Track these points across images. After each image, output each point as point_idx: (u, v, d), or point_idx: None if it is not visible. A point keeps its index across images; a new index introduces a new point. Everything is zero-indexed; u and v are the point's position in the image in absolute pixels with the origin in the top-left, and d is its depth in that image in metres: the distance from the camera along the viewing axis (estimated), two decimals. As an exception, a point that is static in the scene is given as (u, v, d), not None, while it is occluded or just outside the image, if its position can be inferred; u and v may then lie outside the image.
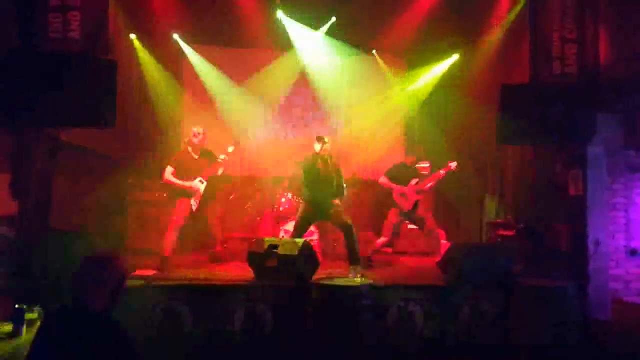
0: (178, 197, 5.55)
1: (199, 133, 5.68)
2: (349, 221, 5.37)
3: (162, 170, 5.63)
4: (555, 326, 4.38)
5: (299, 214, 5.59)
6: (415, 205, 5.88)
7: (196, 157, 5.68)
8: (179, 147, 7.70)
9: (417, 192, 5.90)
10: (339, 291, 4.18)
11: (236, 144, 5.80)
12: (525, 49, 5.66)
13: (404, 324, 4.57)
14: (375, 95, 8.37)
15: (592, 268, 5.02)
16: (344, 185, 5.59)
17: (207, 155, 5.72)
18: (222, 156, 5.64)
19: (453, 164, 5.93)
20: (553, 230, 5.71)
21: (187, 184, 5.51)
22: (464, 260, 4.74)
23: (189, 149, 5.71)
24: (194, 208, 5.52)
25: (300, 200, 5.76)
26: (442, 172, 5.92)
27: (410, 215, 5.92)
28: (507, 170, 7.07)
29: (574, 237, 5.34)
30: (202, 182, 5.56)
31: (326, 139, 5.50)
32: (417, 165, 6.24)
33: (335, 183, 5.46)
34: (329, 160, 5.49)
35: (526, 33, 5.63)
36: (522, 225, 6.27)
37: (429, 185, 5.98)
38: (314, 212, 5.47)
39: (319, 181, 5.40)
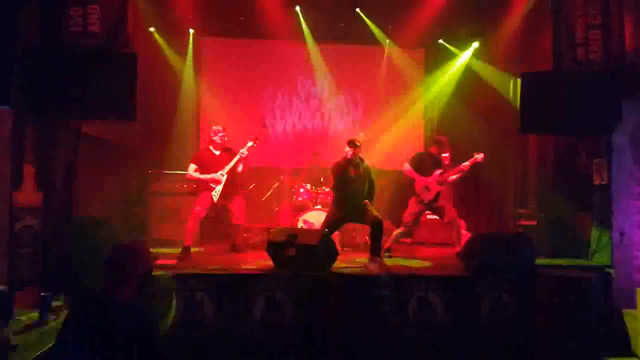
0: (201, 190, 5.69)
1: (218, 130, 5.81)
2: (379, 216, 5.34)
3: (185, 167, 5.79)
4: (579, 318, 4.31)
5: (328, 216, 5.59)
6: (437, 195, 5.80)
7: (217, 153, 5.80)
8: (197, 138, 7.83)
9: (440, 183, 5.82)
10: (358, 281, 4.19)
11: (255, 139, 5.85)
12: (546, 36, 5.55)
13: (424, 315, 4.55)
14: (394, 85, 8.31)
15: (617, 258, 4.92)
16: (374, 189, 5.56)
17: (228, 152, 5.83)
18: (242, 150, 5.70)
19: (479, 156, 5.75)
20: (577, 219, 5.62)
21: (208, 176, 5.64)
22: (485, 251, 4.69)
23: (210, 147, 5.85)
24: (215, 200, 5.61)
25: (331, 204, 5.69)
26: (466, 164, 5.79)
27: (431, 205, 5.85)
28: (530, 158, 6.97)
29: (599, 226, 5.24)
30: (223, 175, 5.66)
31: (358, 143, 5.40)
32: (441, 156, 6.14)
33: (366, 188, 5.44)
34: (360, 166, 5.42)
35: (548, 19, 5.52)
36: (544, 215, 6.18)
37: (453, 177, 5.87)
38: (343, 217, 5.47)
39: (351, 188, 5.36)
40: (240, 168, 5.77)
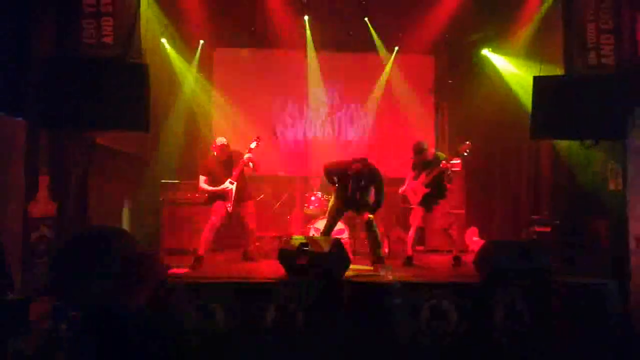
0: (214, 200, 5.74)
1: (222, 144, 5.83)
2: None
3: (197, 179, 5.87)
4: (595, 325, 4.24)
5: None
6: (424, 197, 5.82)
7: (223, 161, 5.83)
8: (209, 148, 7.87)
9: (425, 185, 5.82)
10: (371, 289, 4.16)
11: (258, 138, 5.91)
12: (558, 41, 5.52)
13: (437, 322, 4.50)
14: (404, 93, 8.30)
15: (634, 265, 4.84)
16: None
17: (233, 158, 5.86)
18: (247, 155, 5.76)
19: (462, 147, 5.71)
20: (592, 226, 5.55)
21: (218, 188, 5.70)
22: (499, 257, 4.64)
23: (215, 153, 5.88)
24: (229, 210, 5.67)
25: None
26: (454, 162, 5.88)
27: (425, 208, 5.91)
28: (543, 164, 6.91)
29: (614, 233, 5.17)
30: (232, 183, 5.72)
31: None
32: (450, 162, 6.11)
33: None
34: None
35: (559, 24, 5.49)
36: (559, 221, 6.11)
37: (431, 174, 5.82)
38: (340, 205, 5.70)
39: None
40: (251, 165, 5.80)
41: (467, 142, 5.72)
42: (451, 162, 5.79)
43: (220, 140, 5.88)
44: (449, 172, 5.72)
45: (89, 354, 2.24)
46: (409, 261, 5.83)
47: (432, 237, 7.02)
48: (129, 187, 6.74)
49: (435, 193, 5.81)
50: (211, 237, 5.62)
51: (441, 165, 5.66)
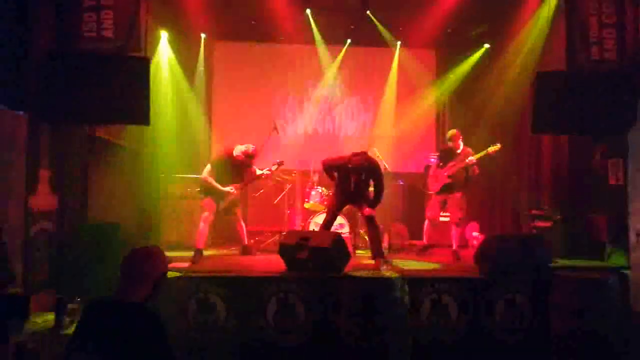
0: (208, 194, 5.68)
1: (251, 151, 5.73)
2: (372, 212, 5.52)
3: (197, 170, 5.93)
4: (595, 320, 4.25)
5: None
6: (443, 188, 6.07)
7: (238, 162, 5.75)
8: (209, 141, 7.85)
9: (449, 176, 6.05)
10: (371, 283, 4.16)
11: (281, 163, 6.07)
12: (560, 36, 5.50)
13: (438, 317, 4.51)
14: (404, 86, 8.28)
15: (634, 260, 4.84)
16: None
17: (249, 165, 5.84)
18: (261, 171, 5.92)
19: (491, 149, 5.91)
20: (592, 221, 5.55)
21: (222, 188, 5.65)
22: (500, 252, 4.64)
23: (234, 154, 5.76)
24: (220, 208, 5.68)
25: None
26: (472, 159, 5.91)
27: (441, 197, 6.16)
28: (544, 159, 6.90)
29: (615, 227, 5.17)
30: (236, 190, 5.74)
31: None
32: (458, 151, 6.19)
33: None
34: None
35: (561, 19, 5.47)
36: (559, 216, 6.12)
37: (458, 167, 6.04)
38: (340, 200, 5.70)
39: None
40: (258, 172, 5.95)
41: (499, 145, 5.90)
42: (472, 158, 5.96)
43: (250, 147, 5.75)
44: (473, 167, 5.98)
45: (90, 348, 2.23)
46: (424, 249, 6.20)
47: (432, 231, 7.01)
48: (130, 181, 6.72)
49: (454, 184, 6.06)
50: (207, 230, 5.61)
51: (468, 160, 5.88)
